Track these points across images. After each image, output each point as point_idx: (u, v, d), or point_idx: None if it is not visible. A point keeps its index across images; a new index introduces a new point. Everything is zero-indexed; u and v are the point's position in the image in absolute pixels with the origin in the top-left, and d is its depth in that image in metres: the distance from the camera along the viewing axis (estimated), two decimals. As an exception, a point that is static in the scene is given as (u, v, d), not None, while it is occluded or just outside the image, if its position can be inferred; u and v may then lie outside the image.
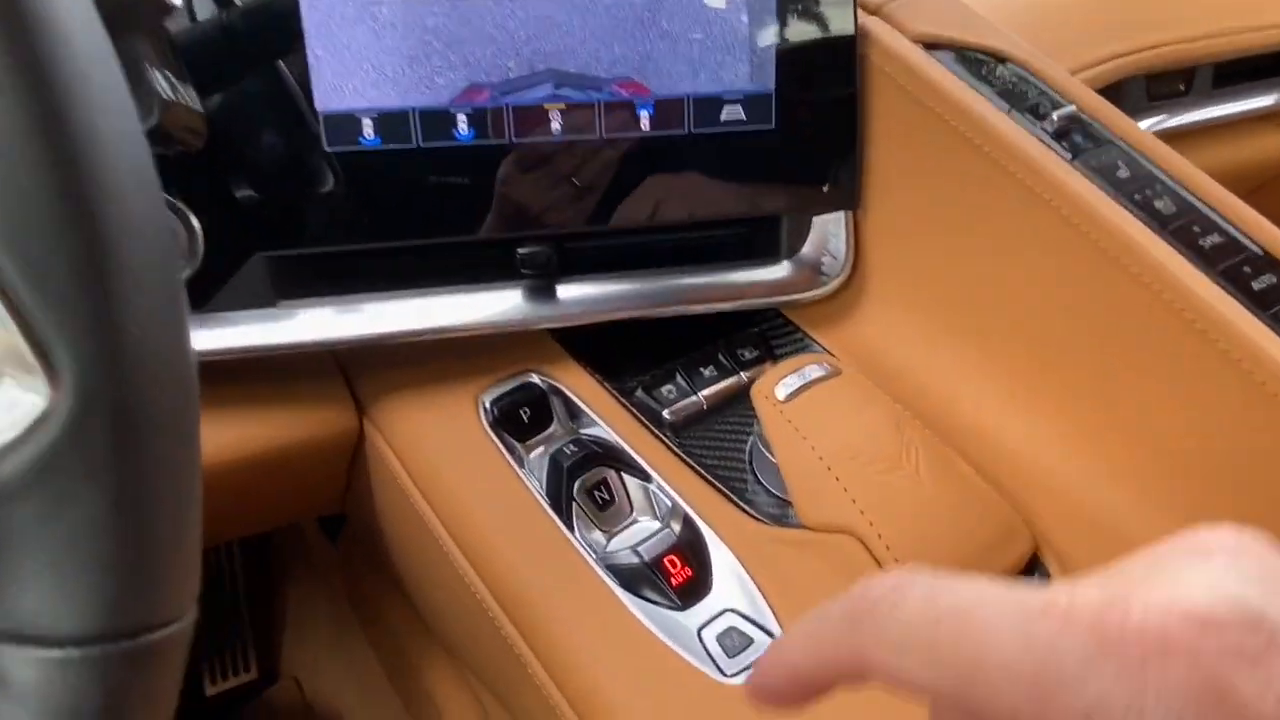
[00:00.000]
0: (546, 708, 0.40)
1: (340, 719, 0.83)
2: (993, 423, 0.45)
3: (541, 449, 0.47)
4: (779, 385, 0.43)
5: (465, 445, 0.47)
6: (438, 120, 0.46)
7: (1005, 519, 0.40)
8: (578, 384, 0.50)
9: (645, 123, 0.48)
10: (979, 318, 0.47)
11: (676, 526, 0.42)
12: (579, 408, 0.49)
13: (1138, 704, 0.16)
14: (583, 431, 0.48)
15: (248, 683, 0.88)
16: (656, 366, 0.51)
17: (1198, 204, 0.42)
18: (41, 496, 0.20)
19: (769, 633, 0.38)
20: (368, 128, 0.45)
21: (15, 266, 0.19)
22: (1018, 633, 0.18)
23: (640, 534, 0.43)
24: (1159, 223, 0.41)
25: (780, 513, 0.43)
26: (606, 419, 0.48)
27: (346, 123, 0.45)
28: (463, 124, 0.46)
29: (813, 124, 0.50)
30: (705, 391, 0.50)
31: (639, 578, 0.41)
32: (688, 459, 0.46)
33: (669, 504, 0.44)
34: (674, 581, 0.40)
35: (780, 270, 0.53)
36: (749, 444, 0.47)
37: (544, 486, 0.45)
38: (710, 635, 0.39)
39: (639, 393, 0.50)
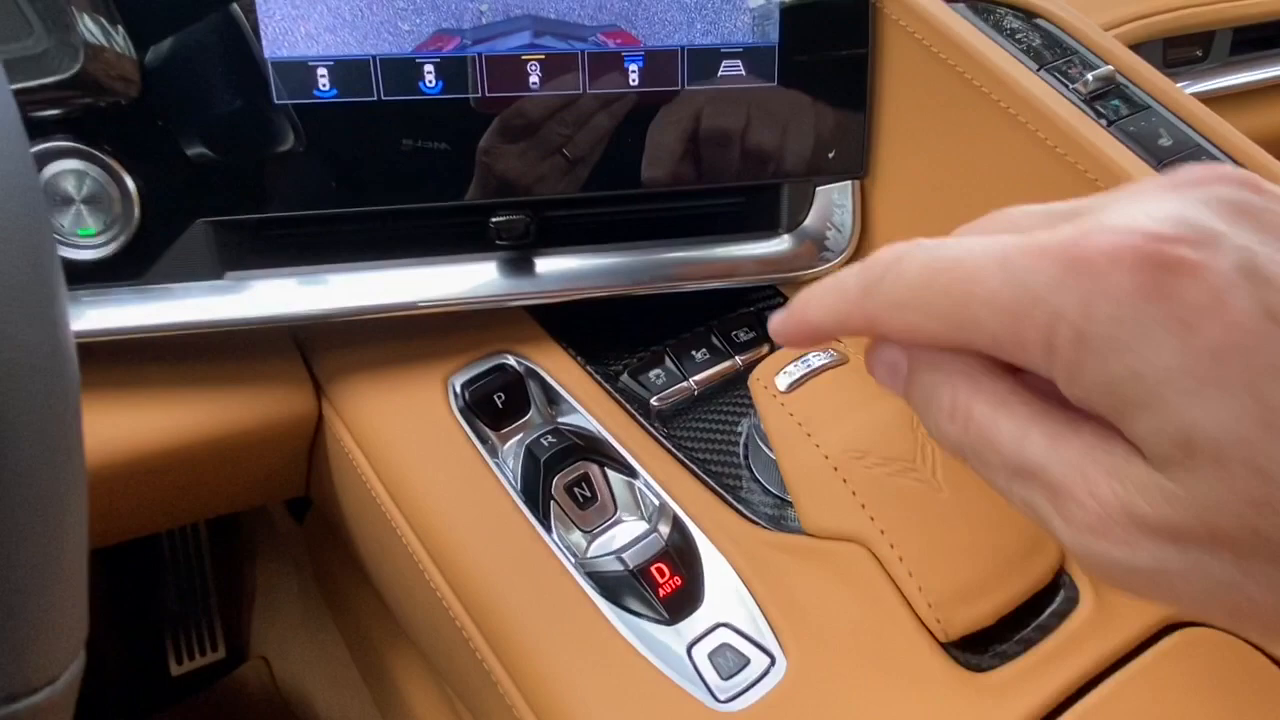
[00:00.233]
0: (517, 726, 0.36)
1: (309, 699, 0.81)
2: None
3: (516, 439, 0.43)
4: (779, 374, 0.39)
5: (432, 432, 0.43)
6: (401, 70, 0.41)
7: (1030, 528, 0.36)
8: (557, 367, 0.46)
9: (634, 77, 0.43)
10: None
11: (665, 529, 0.38)
12: (558, 393, 0.45)
13: (1088, 310, 0.19)
14: (561, 420, 0.44)
15: (215, 662, 0.86)
16: (643, 349, 0.47)
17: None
18: None
19: (767, 652, 0.34)
20: (323, 78, 0.40)
21: None
22: (999, 269, 0.20)
23: (624, 537, 0.39)
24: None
25: (778, 514, 0.39)
26: (588, 406, 0.44)
27: (299, 72, 0.40)
28: (429, 75, 0.41)
29: (819, 81, 0.45)
30: (696, 377, 0.46)
31: (623, 587, 0.37)
32: (677, 453, 0.42)
33: (656, 503, 0.40)
34: (662, 592, 0.36)
35: (780, 244, 0.48)
36: (744, 436, 0.43)
37: (518, 481, 0.41)
38: (701, 653, 0.35)
39: (624, 378, 0.46)
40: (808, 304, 0.25)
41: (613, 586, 0.37)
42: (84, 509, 0.19)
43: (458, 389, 0.45)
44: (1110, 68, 0.41)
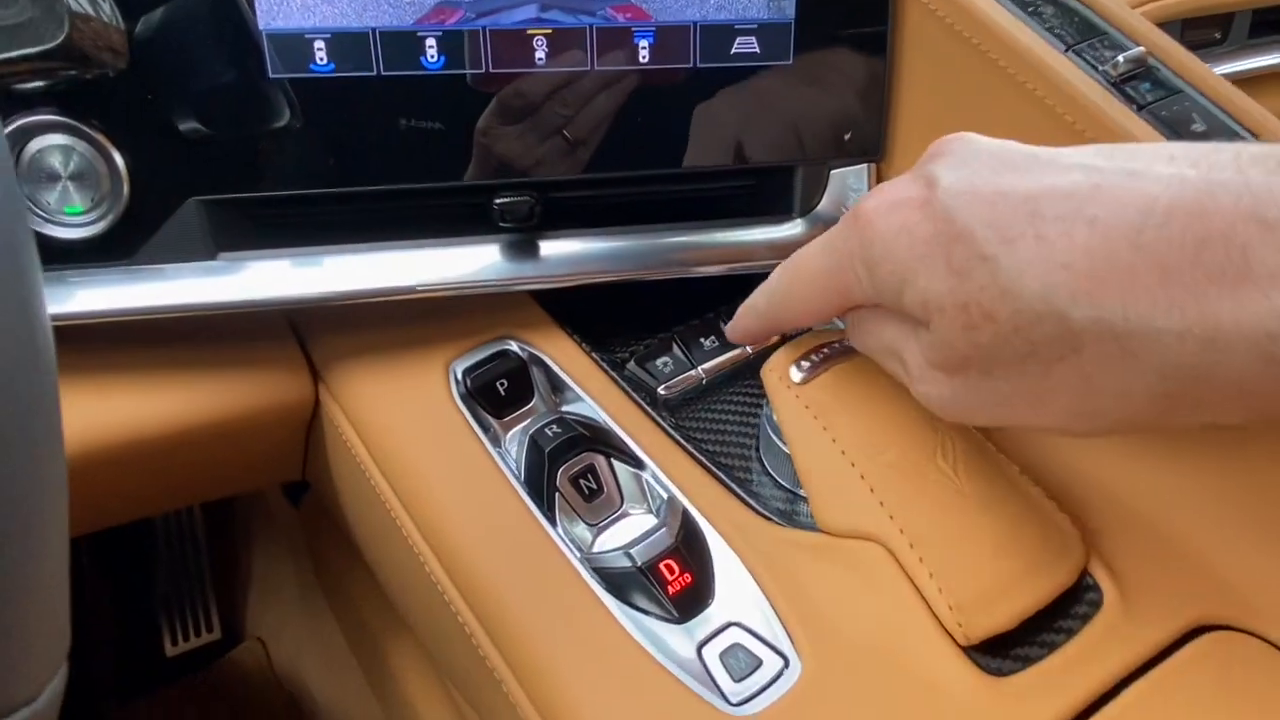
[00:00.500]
0: (521, 728, 0.35)
1: (305, 681, 0.80)
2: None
3: (520, 427, 0.42)
4: (794, 364, 0.37)
5: (432, 420, 0.42)
6: (402, 43, 0.39)
7: (1056, 528, 0.34)
8: (561, 354, 0.44)
9: (644, 54, 0.41)
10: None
11: (674, 524, 0.37)
12: (562, 381, 0.43)
13: (865, 247, 0.30)
14: (566, 409, 0.42)
15: (210, 643, 0.86)
16: (650, 336, 0.46)
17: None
18: None
19: (780, 653, 0.33)
20: (320, 51, 0.39)
21: None
22: (820, 249, 0.33)
23: (631, 532, 0.38)
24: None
25: (790, 509, 0.38)
26: (594, 395, 0.42)
27: (295, 44, 0.38)
28: (431, 49, 0.40)
29: (836, 60, 0.44)
30: (705, 365, 0.45)
31: (630, 583, 0.35)
32: (685, 444, 0.40)
33: (664, 496, 0.38)
34: (671, 589, 0.35)
35: (793, 229, 0.47)
36: (755, 428, 0.41)
37: (522, 472, 0.40)
38: (712, 654, 0.33)
39: (631, 365, 0.44)
40: (741, 317, 0.39)
41: (620, 583, 0.36)
42: (64, 515, 0.18)
43: (459, 375, 0.43)
44: (1142, 49, 0.39)
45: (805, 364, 0.37)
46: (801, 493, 0.38)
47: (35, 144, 0.38)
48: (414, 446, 0.41)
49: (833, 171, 0.46)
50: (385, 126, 0.40)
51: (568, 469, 0.39)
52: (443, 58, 0.40)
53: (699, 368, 0.45)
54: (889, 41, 0.44)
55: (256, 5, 0.38)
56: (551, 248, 0.44)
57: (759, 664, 0.33)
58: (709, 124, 0.44)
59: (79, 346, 0.42)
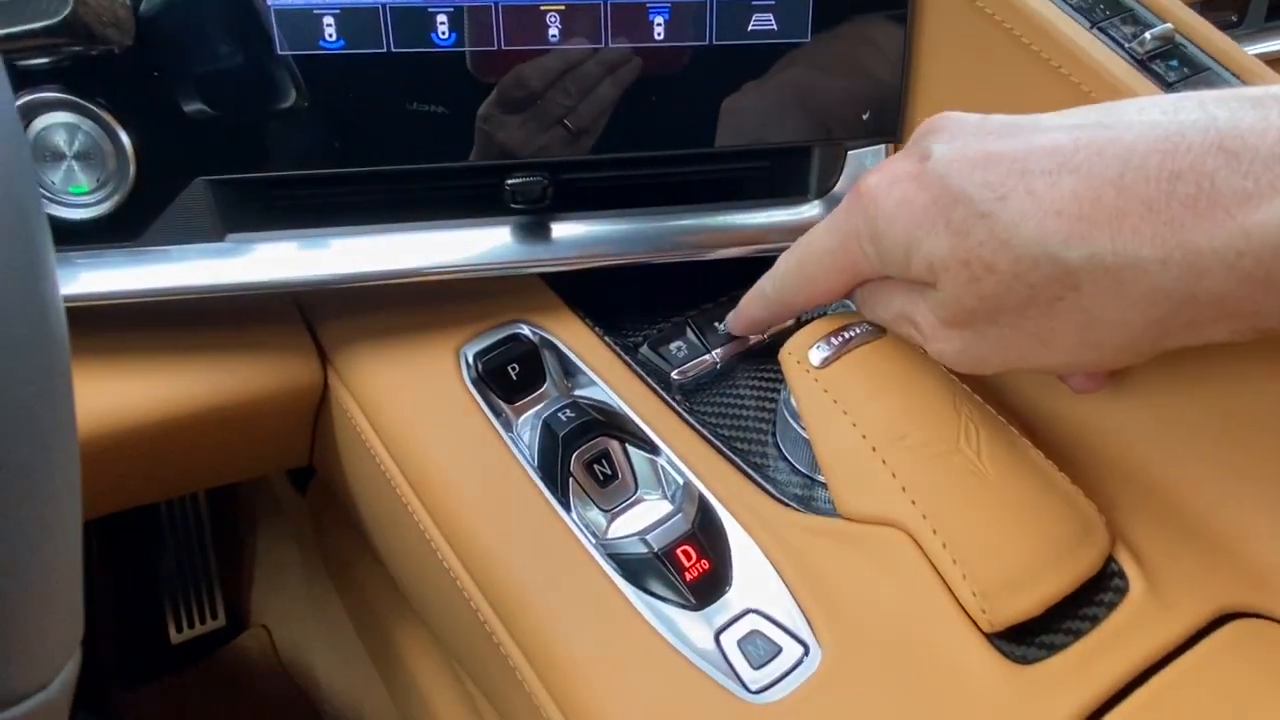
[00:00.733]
0: (538, 717, 0.34)
1: (311, 668, 0.80)
2: (1064, 396, 0.39)
3: (532, 412, 0.41)
4: (813, 348, 0.37)
5: (443, 404, 0.41)
6: (413, 20, 0.38)
7: (1081, 513, 0.34)
8: (574, 338, 0.43)
9: (659, 30, 0.41)
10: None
11: (690, 509, 0.36)
12: (575, 365, 0.43)
13: (870, 220, 0.33)
14: (579, 393, 0.42)
15: (216, 630, 0.86)
16: (664, 320, 0.45)
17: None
18: None
19: (800, 641, 0.32)
20: (329, 27, 0.38)
21: None
22: (825, 230, 0.36)
23: (647, 518, 0.37)
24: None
25: (807, 494, 0.37)
26: (607, 379, 0.42)
27: (304, 21, 0.38)
28: (442, 25, 0.39)
29: (855, 38, 0.43)
30: (719, 349, 0.44)
31: (647, 570, 0.35)
32: (700, 428, 0.40)
33: (680, 482, 0.38)
34: (688, 576, 0.34)
35: (809, 211, 0.46)
36: (771, 412, 0.41)
37: (535, 457, 0.39)
38: (730, 641, 0.33)
39: (644, 349, 0.44)
40: (748, 306, 0.41)
41: (636, 569, 0.35)
42: (77, 498, 0.17)
43: (470, 359, 0.43)
44: (1169, 25, 0.38)
45: (825, 347, 0.37)
46: (819, 478, 0.37)
47: (40, 122, 0.37)
48: (425, 431, 0.41)
49: (850, 152, 0.46)
50: (396, 105, 0.39)
51: (581, 454, 0.38)
52: (454, 34, 0.39)
53: (713, 352, 0.44)
54: (909, 18, 0.43)
55: (264, -20, 0.37)
56: (563, 230, 0.44)
57: (778, 651, 0.32)
58: (724, 103, 0.43)
59: (84, 329, 0.41)
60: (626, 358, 0.43)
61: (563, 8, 0.40)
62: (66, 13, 0.35)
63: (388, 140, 0.40)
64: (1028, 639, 0.32)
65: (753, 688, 0.32)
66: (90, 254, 0.39)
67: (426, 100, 0.40)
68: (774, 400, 0.41)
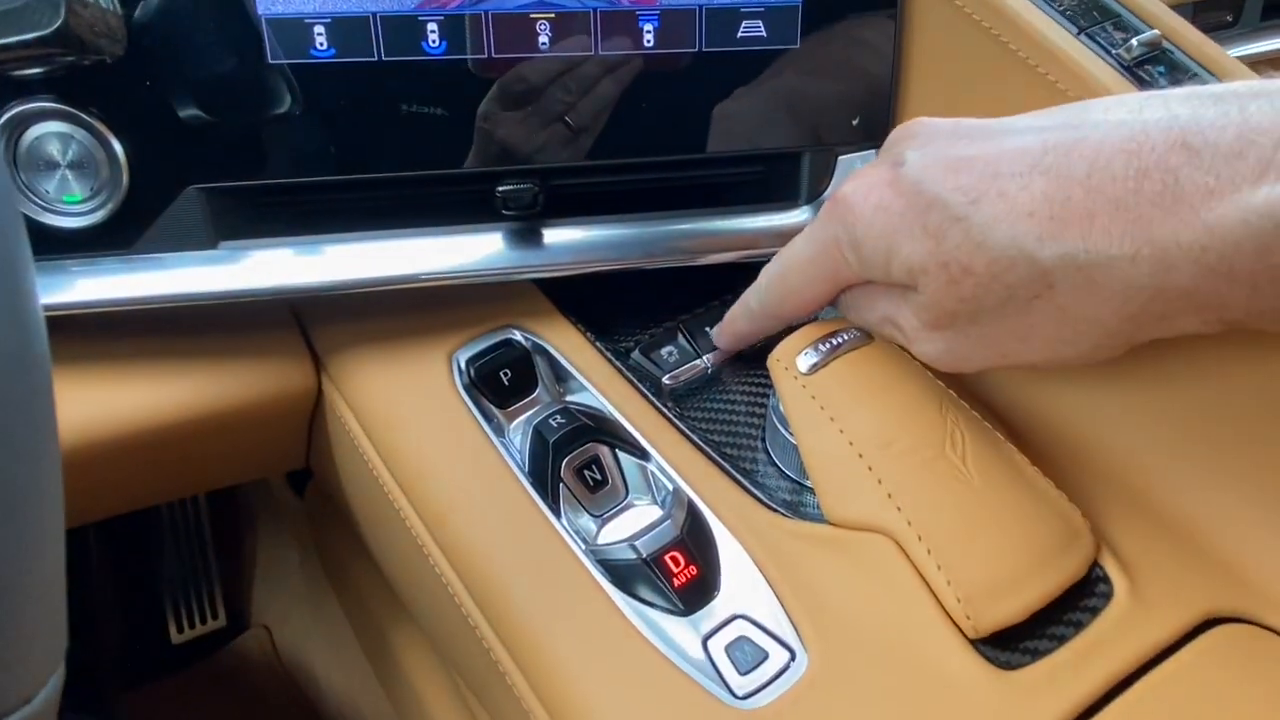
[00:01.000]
0: (524, 717, 0.34)
1: (311, 668, 0.80)
2: (1049, 401, 0.39)
3: (523, 418, 0.41)
4: (800, 354, 0.37)
5: (436, 409, 0.42)
6: (403, 28, 0.39)
7: (1066, 519, 0.34)
8: (565, 343, 0.44)
9: (649, 38, 0.41)
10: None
11: (679, 515, 0.37)
12: (567, 370, 0.43)
13: (848, 228, 0.33)
14: (570, 399, 0.42)
15: (216, 630, 0.86)
16: (655, 325, 0.45)
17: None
18: None
19: (786, 646, 0.33)
20: (320, 36, 0.38)
21: None
22: (805, 240, 0.36)
23: (636, 523, 0.37)
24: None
25: (796, 500, 0.38)
26: (598, 385, 0.42)
27: (295, 29, 0.38)
28: (433, 34, 0.39)
29: (844, 44, 0.43)
30: (710, 354, 0.44)
31: (635, 575, 0.35)
32: (690, 434, 0.40)
33: (670, 487, 0.38)
34: (676, 582, 0.35)
35: (799, 216, 0.46)
36: (761, 418, 0.41)
37: (526, 462, 0.39)
38: (718, 646, 0.33)
39: (635, 355, 0.44)
40: (733, 320, 0.42)
41: (625, 575, 0.35)
42: (59, 513, 0.18)
43: (462, 365, 0.43)
44: (1156, 32, 0.38)
45: (812, 354, 0.37)
46: (808, 483, 0.37)
47: (33, 131, 0.37)
48: (417, 437, 0.41)
49: (840, 157, 0.46)
50: (387, 113, 0.40)
51: (572, 460, 0.39)
52: (444, 42, 0.39)
53: (704, 357, 0.44)
54: (898, 24, 0.43)
55: (255, -10, 0.37)
56: (555, 236, 0.44)
57: (765, 657, 0.32)
58: (714, 109, 0.43)
59: (79, 336, 0.42)
60: (618, 363, 0.43)
61: (553, 15, 0.40)
62: (59, 23, 0.36)
63: (379, 148, 0.40)
64: (1012, 645, 0.32)
65: (739, 693, 0.32)
66: (84, 262, 0.40)
67: (417, 108, 0.40)
68: (764, 405, 0.41)
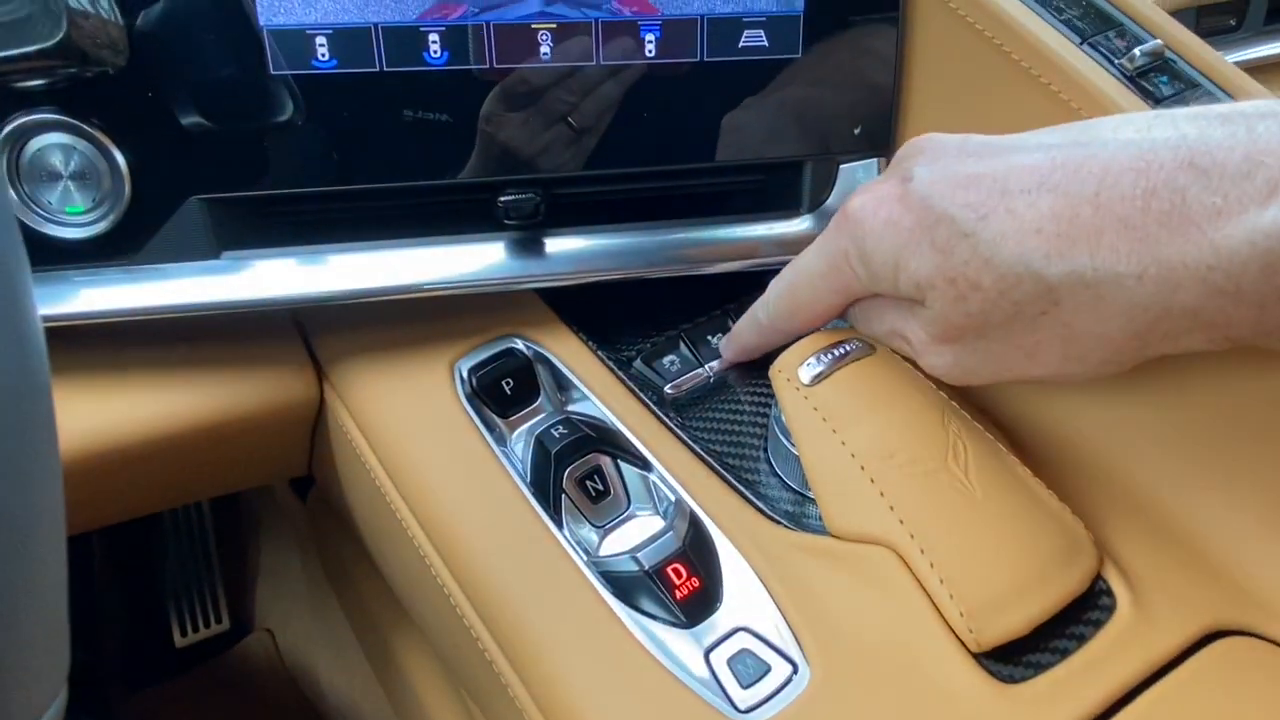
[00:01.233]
0: (528, 732, 0.34)
1: (315, 672, 0.80)
2: (1052, 412, 0.39)
3: (525, 427, 0.41)
4: (803, 365, 0.37)
5: (438, 419, 0.42)
6: (405, 39, 0.39)
7: (1069, 531, 0.34)
8: (567, 352, 0.44)
9: (651, 48, 0.41)
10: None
11: (681, 526, 0.37)
12: (568, 380, 0.43)
13: (857, 241, 0.34)
14: (572, 408, 0.42)
15: (220, 634, 0.86)
16: (657, 334, 0.45)
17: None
18: None
19: (789, 660, 0.33)
20: (322, 47, 0.38)
21: None
22: (815, 252, 0.37)
23: (638, 534, 0.37)
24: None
25: (798, 510, 0.38)
26: (600, 394, 0.42)
27: (297, 40, 0.38)
28: (435, 45, 0.39)
29: (846, 53, 0.43)
30: (713, 364, 0.44)
31: (637, 587, 0.35)
32: (693, 444, 0.40)
33: (672, 498, 0.38)
34: (678, 594, 0.35)
35: (801, 225, 0.46)
36: (764, 427, 0.41)
37: (528, 473, 0.39)
38: (720, 659, 0.33)
39: (637, 364, 0.44)
40: (741, 334, 0.42)
41: (626, 587, 0.35)
42: (61, 541, 0.18)
43: (464, 374, 0.43)
44: (1159, 42, 0.38)
45: (814, 365, 0.37)
46: (810, 495, 0.37)
47: (35, 143, 0.37)
48: (419, 446, 0.41)
49: (842, 166, 0.46)
50: (388, 123, 0.40)
51: (574, 470, 0.39)
52: (446, 53, 0.39)
53: (706, 366, 0.44)
54: (899, 33, 0.43)
55: (257, 1, 0.37)
56: (557, 245, 0.44)
57: (767, 670, 0.32)
58: (716, 119, 0.43)
59: (82, 347, 0.42)
60: (620, 372, 0.43)
61: (554, 26, 0.40)
62: (61, 35, 0.36)
63: (381, 158, 0.40)
64: (1015, 658, 0.32)
65: (741, 707, 0.32)
66: (88, 272, 0.40)
67: (420, 118, 0.40)
68: (766, 415, 0.41)
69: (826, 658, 0.32)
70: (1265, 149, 0.25)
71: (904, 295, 0.33)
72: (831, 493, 0.35)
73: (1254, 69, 0.78)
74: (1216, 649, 0.33)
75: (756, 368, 0.44)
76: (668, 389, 0.43)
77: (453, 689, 0.57)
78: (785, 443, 0.38)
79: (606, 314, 0.45)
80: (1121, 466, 0.37)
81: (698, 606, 0.34)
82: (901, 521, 0.33)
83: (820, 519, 0.36)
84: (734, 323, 0.45)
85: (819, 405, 0.36)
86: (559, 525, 0.38)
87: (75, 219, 0.39)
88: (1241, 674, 0.32)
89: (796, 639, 0.33)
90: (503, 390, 0.42)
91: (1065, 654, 0.32)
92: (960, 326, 0.32)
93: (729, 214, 0.46)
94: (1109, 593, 0.34)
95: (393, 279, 0.42)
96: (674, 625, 0.34)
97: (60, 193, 0.38)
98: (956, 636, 0.32)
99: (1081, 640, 0.33)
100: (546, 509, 0.38)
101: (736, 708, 0.32)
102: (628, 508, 0.39)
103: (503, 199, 0.42)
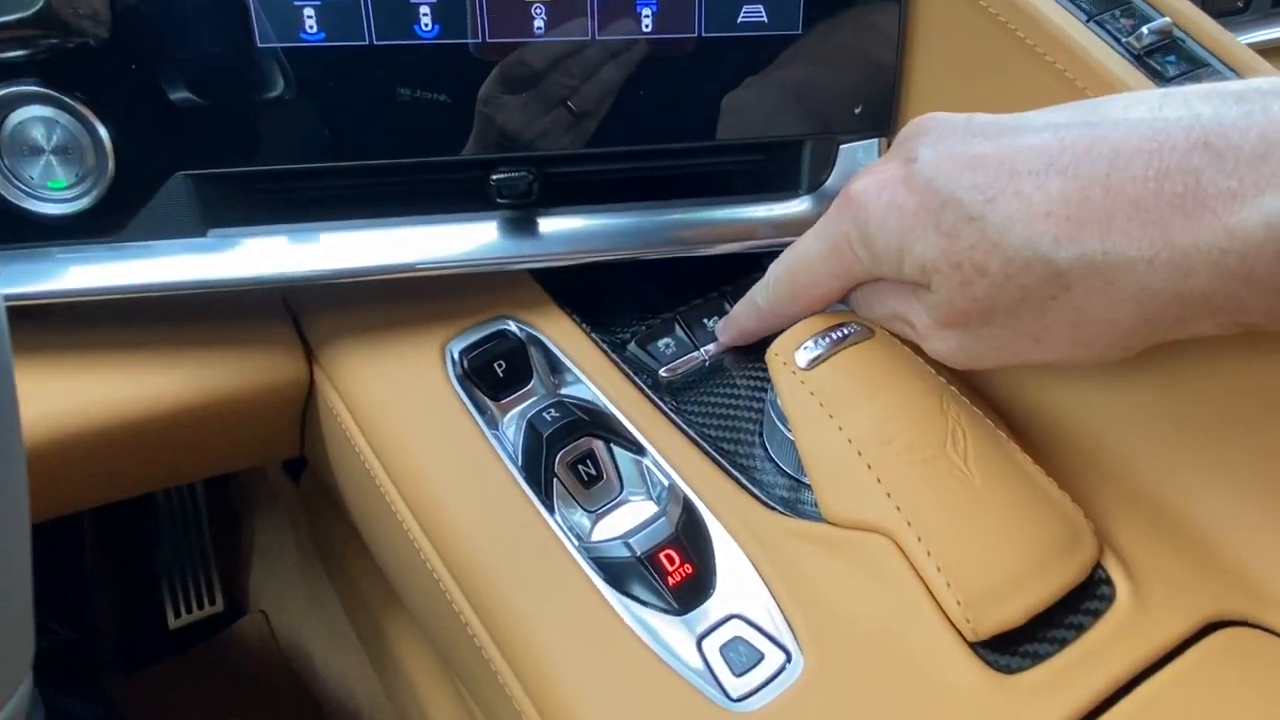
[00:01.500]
0: (515, 716, 0.34)
1: (308, 652, 0.80)
2: (1053, 397, 0.38)
3: (517, 410, 0.41)
4: (799, 349, 0.36)
5: (428, 401, 0.41)
6: (395, 11, 0.38)
7: (1068, 519, 0.33)
8: (561, 334, 0.43)
9: (647, 22, 0.40)
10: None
11: (674, 512, 0.36)
12: (561, 362, 0.42)
13: (859, 224, 0.33)
14: (565, 391, 0.41)
15: (214, 615, 0.86)
16: (652, 316, 0.44)
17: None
18: None
19: (783, 648, 0.32)
20: (310, 19, 0.37)
21: None
22: (815, 236, 0.36)
23: (631, 519, 0.37)
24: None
25: (793, 496, 0.37)
26: (593, 377, 0.41)
27: (284, 11, 0.37)
28: (426, 17, 0.38)
29: (846, 30, 0.42)
30: (708, 346, 0.43)
31: (629, 574, 0.34)
32: (687, 429, 0.39)
33: (665, 483, 0.37)
34: (671, 580, 0.34)
35: (800, 205, 0.45)
36: (759, 412, 0.40)
37: (519, 457, 0.39)
38: (712, 647, 0.32)
39: (631, 346, 0.43)
40: (739, 318, 0.41)
41: (618, 573, 0.35)
42: (23, 527, 0.17)
43: (455, 355, 0.42)
44: (1167, 20, 0.37)
45: (811, 348, 0.36)
46: (806, 480, 0.36)
47: (16, 116, 0.36)
48: (409, 429, 0.40)
49: (842, 146, 0.45)
50: (379, 98, 0.39)
51: (565, 454, 0.38)
52: (437, 26, 0.38)
53: (702, 349, 0.43)
54: (902, 10, 0.42)
55: (243, -29, 0.36)
56: (551, 225, 0.43)
57: (761, 658, 0.32)
58: (714, 96, 0.42)
59: (65, 325, 0.41)
60: (614, 355, 0.42)
61: (548, -1, 0.39)
62: (41, 4, 0.35)
63: (370, 134, 0.39)
64: (1012, 648, 0.32)
65: (734, 695, 0.31)
66: (71, 250, 0.39)
67: (410, 93, 0.39)
68: (762, 400, 0.40)
69: (820, 646, 0.32)
70: None
71: (908, 279, 0.33)
72: (828, 479, 0.34)
73: (1261, 52, 0.77)
74: (1217, 639, 0.32)
75: (753, 351, 0.43)
76: (662, 372, 0.43)
77: (444, 671, 0.56)
78: (781, 428, 0.37)
79: (601, 296, 0.44)
80: (1122, 453, 0.37)
81: (690, 593, 0.34)
82: (899, 509, 0.33)
83: (816, 505, 0.36)
84: (730, 305, 0.45)
85: (816, 390, 0.35)
86: (550, 510, 0.37)
87: (57, 195, 0.38)
88: (1242, 665, 0.32)
89: (790, 627, 0.33)
90: (494, 372, 0.42)
91: (1063, 644, 0.32)
92: (966, 311, 0.31)
93: (726, 194, 0.45)
94: (1108, 582, 0.33)
95: (383, 258, 0.41)
96: (666, 612, 0.33)
97: (42, 167, 0.37)
98: (953, 626, 0.31)
99: (1080, 630, 0.32)
100: (538, 493, 0.37)
101: (729, 696, 0.31)
102: (620, 492, 0.38)
103: (495, 177, 0.41)
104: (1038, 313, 0.30)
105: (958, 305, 0.31)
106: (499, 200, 0.41)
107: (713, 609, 0.33)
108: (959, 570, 0.31)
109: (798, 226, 0.45)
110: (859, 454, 0.34)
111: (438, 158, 0.41)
